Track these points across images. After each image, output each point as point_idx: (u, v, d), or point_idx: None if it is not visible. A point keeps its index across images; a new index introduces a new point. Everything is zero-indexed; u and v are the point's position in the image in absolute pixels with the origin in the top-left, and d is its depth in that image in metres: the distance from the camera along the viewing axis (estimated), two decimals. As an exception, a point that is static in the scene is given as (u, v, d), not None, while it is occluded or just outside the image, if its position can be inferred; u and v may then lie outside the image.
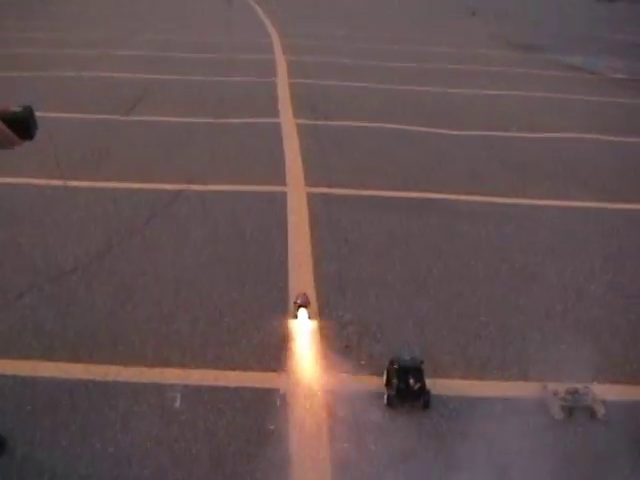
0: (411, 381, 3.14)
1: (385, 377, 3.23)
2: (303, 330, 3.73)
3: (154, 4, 23.96)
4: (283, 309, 3.90)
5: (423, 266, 4.57)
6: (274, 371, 3.33)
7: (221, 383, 3.23)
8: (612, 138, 8.31)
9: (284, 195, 5.79)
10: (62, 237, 4.80)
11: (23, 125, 2.37)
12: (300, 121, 8.20)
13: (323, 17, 21.66)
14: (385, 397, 3.14)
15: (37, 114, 2.39)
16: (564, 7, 36.77)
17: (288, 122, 8.15)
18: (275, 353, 3.47)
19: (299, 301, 3.85)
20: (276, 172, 6.34)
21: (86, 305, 3.88)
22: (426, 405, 3.13)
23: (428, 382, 3.16)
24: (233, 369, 3.35)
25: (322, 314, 3.87)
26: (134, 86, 9.97)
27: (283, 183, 6.08)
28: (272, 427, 2.94)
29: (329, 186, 6.06)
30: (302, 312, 3.81)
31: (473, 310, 4.02)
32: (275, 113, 8.58)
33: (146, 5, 23.65)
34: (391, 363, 3.23)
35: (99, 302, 3.92)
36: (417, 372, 3.17)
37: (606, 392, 3.25)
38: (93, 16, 19.71)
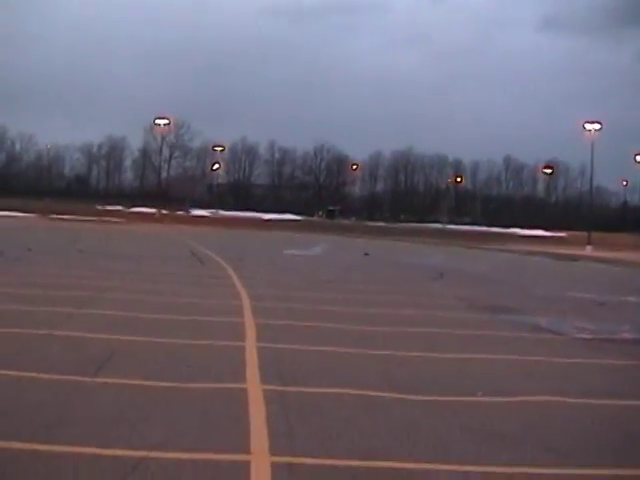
0: None
1: None
2: None
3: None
4: None
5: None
6: None
7: None
8: (579, 400, 8.38)
9: (248, 465, 5.72)
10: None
11: None
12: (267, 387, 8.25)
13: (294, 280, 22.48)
14: None
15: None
16: (524, 266, 38.57)
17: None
18: None
19: None
20: (241, 442, 6.29)
21: None
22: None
23: None
24: None
25: None
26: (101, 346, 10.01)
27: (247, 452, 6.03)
28: None
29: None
30: None
31: None
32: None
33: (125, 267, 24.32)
34: None
35: None
36: None
37: None
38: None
